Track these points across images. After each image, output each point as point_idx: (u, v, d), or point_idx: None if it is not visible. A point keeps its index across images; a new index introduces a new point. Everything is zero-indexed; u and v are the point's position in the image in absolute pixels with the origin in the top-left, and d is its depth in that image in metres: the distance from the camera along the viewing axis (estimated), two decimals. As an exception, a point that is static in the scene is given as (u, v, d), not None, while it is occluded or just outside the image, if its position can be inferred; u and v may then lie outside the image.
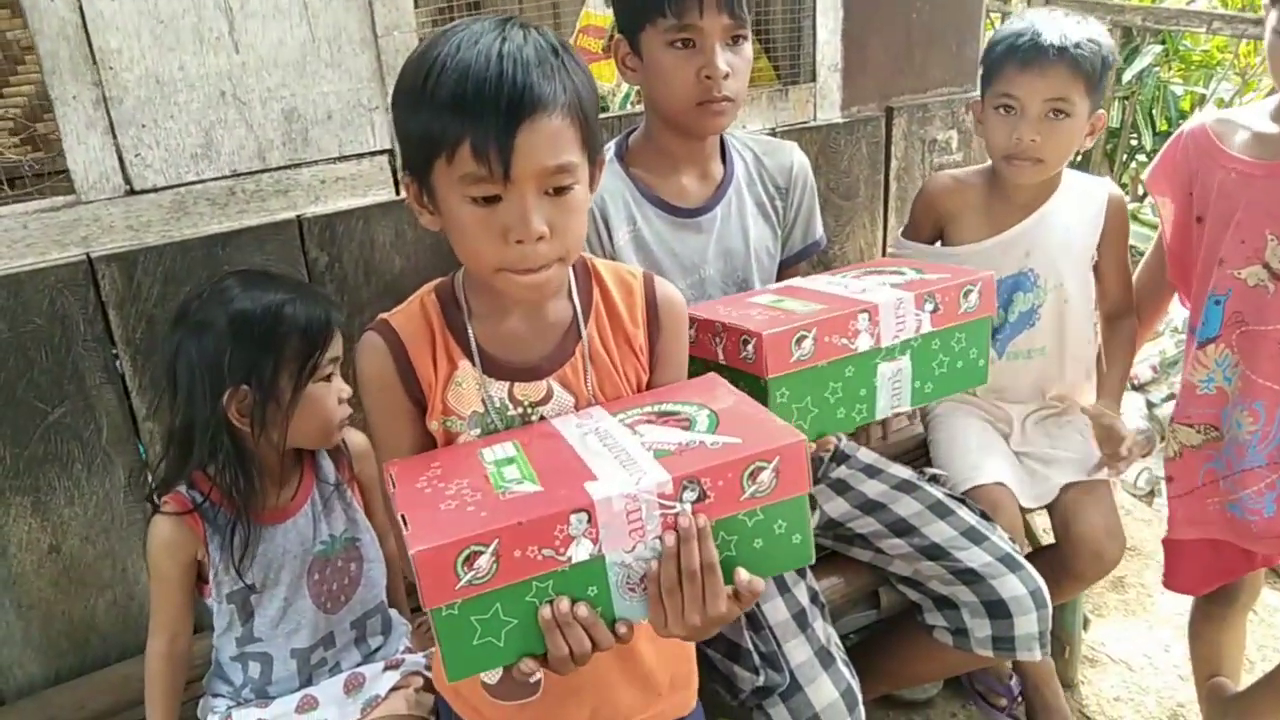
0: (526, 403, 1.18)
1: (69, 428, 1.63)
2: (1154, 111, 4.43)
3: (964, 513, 1.77)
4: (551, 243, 1.05)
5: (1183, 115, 4.44)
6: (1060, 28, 1.75)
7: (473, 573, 0.92)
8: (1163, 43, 4.35)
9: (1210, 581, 1.92)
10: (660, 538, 0.99)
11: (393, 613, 1.60)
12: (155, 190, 1.61)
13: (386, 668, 1.49)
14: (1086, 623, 2.49)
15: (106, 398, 1.64)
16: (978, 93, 1.90)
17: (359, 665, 1.50)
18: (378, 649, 1.55)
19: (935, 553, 1.72)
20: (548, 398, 1.18)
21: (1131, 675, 2.43)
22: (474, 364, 1.17)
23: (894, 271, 1.57)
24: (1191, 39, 4.31)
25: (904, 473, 1.85)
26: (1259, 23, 3.99)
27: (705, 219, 1.66)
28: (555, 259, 1.07)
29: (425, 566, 0.91)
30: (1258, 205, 1.62)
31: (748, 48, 1.54)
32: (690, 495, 0.99)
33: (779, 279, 1.78)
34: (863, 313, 1.37)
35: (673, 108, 1.55)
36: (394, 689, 1.46)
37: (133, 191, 1.59)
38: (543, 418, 1.18)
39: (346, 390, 1.43)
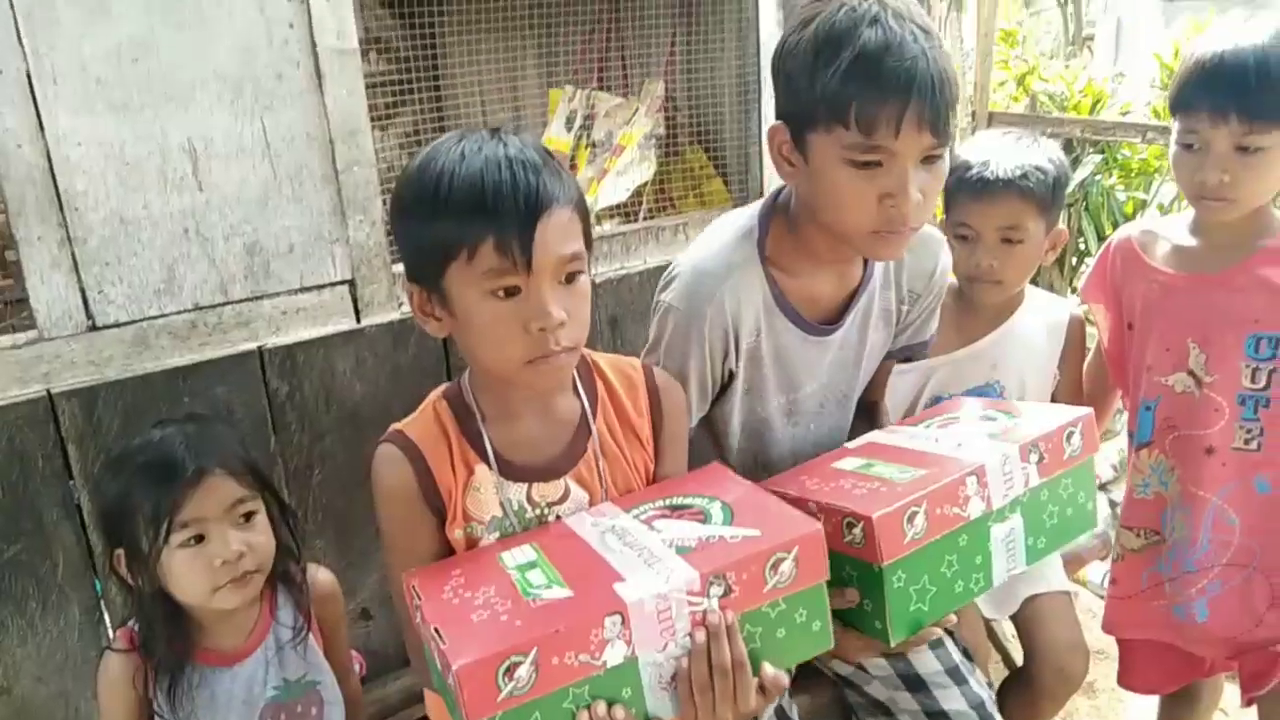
0: (544, 503, 1.20)
1: (25, 565, 1.61)
2: (1101, 217, 4.59)
3: (951, 646, 1.68)
4: (568, 328, 1.11)
5: (1128, 219, 4.60)
6: (1011, 157, 1.81)
7: (513, 683, 0.93)
8: (1101, 152, 4.54)
9: (1166, 683, 1.94)
10: (690, 635, 1.01)
11: None
12: (117, 325, 1.63)
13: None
14: (1058, 729, 2.47)
15: (64, 533, 1.63)
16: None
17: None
18: None
19: (916, 685, 1.64)
20: (565, 497, 1.21)
21: (1106, 782, 2.41)
22: (491, 468, 1.19)
23: (983, 418, 1.46)
24: (1130, 148, 4.49)
25: (956, 656, 1.68)
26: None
27: (832, 336, 1.47)
28: (571, 345, 1.13)
29: (468, 680, 0.91)
30: (1179, 315, 1.69)
31: (944, 164, 1.28)
32: (717, 590, 1.01)
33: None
34: (970, 476, 1.23)
35: (843, 230, 1.30)
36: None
37: (95, 327, 1.62)
38: (558, 517, 1.20)
39: (226, 552, 1.33)
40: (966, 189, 1.83)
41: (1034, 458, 1.30)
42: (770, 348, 1.43)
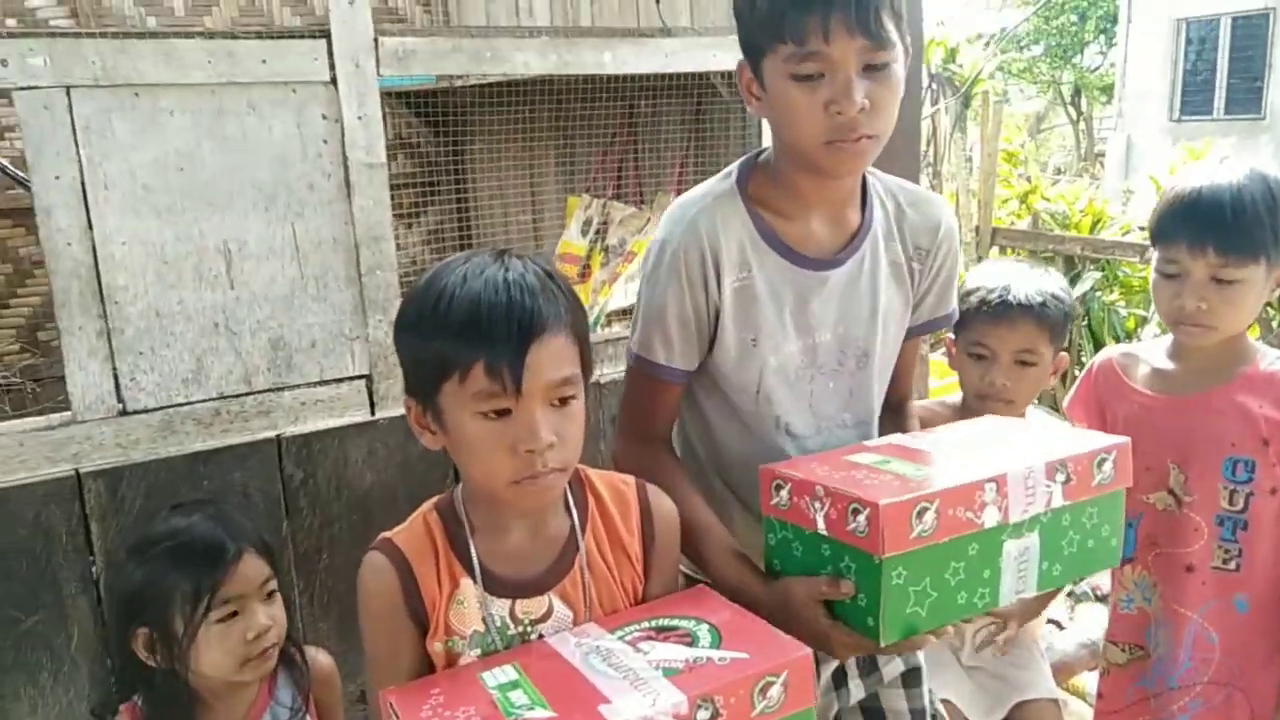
0: (527, 620, 1.20)
1: (40, 636, 1.69)
2: (1103, 331, 4.69)
3: None
4: (557, 450, 1.11)
5: (1128, 335, 4.70)
6: (1030, 284, 1.90)
7: None
8: (1102, 269, 4.67)
9: None
10: None
11: None
12: (146, 411, 1.74)
13: None
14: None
15: (80, 606, 1.71)
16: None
17: None
18: None
19: None
20: (548, 614, 1.21)
21: None
22: (475, 581, 1.19)
23: (1017, 432, 1.44)
24: (1129, 266, 4.63)
25: (926, 699, 1.66)
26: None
27: (833, 273, 1.41)
28: (560, 467, 1.13)
29: None
30: (1159, 436, 1.76)
31: (894, 71, 1.26)
32: (704, 714, 0.99)
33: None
34: (990, 483, 1.18)
35: (800, 145, 1.30)
36: None
37: (125, 412, 1.73)
38: (541, 636, 1.18)
39: (258, 626, 1.41)
40: (986, 311, 1.91)
41: (1060, 477, 1.24)
42: (765, 285, 1.38)
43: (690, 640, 1.09)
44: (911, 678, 1.60)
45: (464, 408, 1.11)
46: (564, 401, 1.14)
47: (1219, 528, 1.72)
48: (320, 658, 1.59)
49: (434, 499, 1.27)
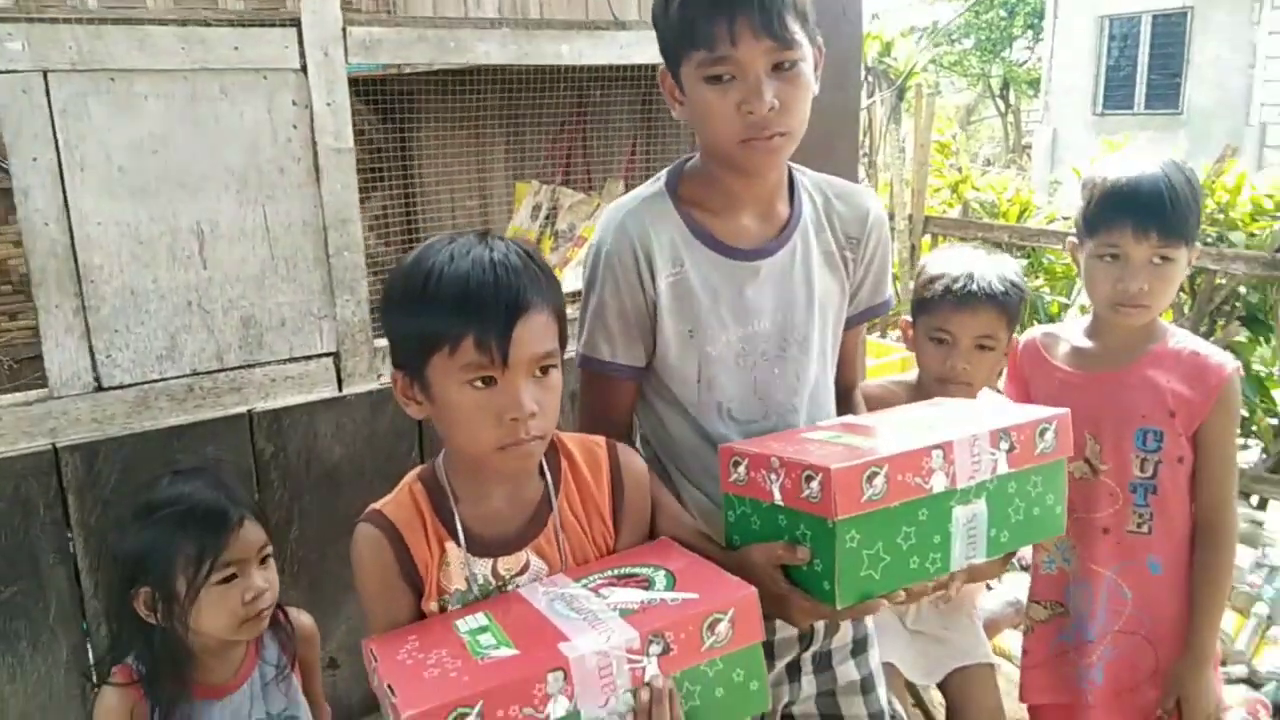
0: (508, 575, 1.29)
1: (19, 606, 1.74)
2: (1025, 316, 4.91)
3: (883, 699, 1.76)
4: (538, 419, 1.19)
5: (1051, 318, 4.93)
6: (990, 271, 1.99)
7: None
8: (1027, 256, 4.88)
9: None
10: (631, 691, 1.07)
11: None
12: (122, 387, 1.79)
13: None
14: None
15: (58, 578, 1.77)
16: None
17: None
18: None
19: None
20: (525, 568, 1.29)
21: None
22: (460, 545, 1.26)
23: (962, 408, 1.53)
24: (1054, 253, 4.84)
25: (883, 699, 1.71)
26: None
27: (765, 263, 1.47)
28: (540, 435, 1.21)
29: None
30: (1076, 409, 1.91)
31: (801, 70, 1.33)
32: (656, 649, 1.08)
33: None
34: (937, 449, 1.24)
35: (718, 145, 1.38)
36: None
37: (101, 388, 1.78)
38: (516, 587, 1.26)
39: (255, 588, 1.49)
40: (951, 298, 1.98)
41: (1004, 445, 1.31)
42: (699, 279, 1.44)
43: (647, 584, 1.18)
44: (867, 684, 1.67)
45: (452, 378, 1.18)
46: (544, 373, 1.22)
47: (1132, 494, 1.88)
48: (303, 619, 1.67)
49: (416, 470, 1.34)
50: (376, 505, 1.30)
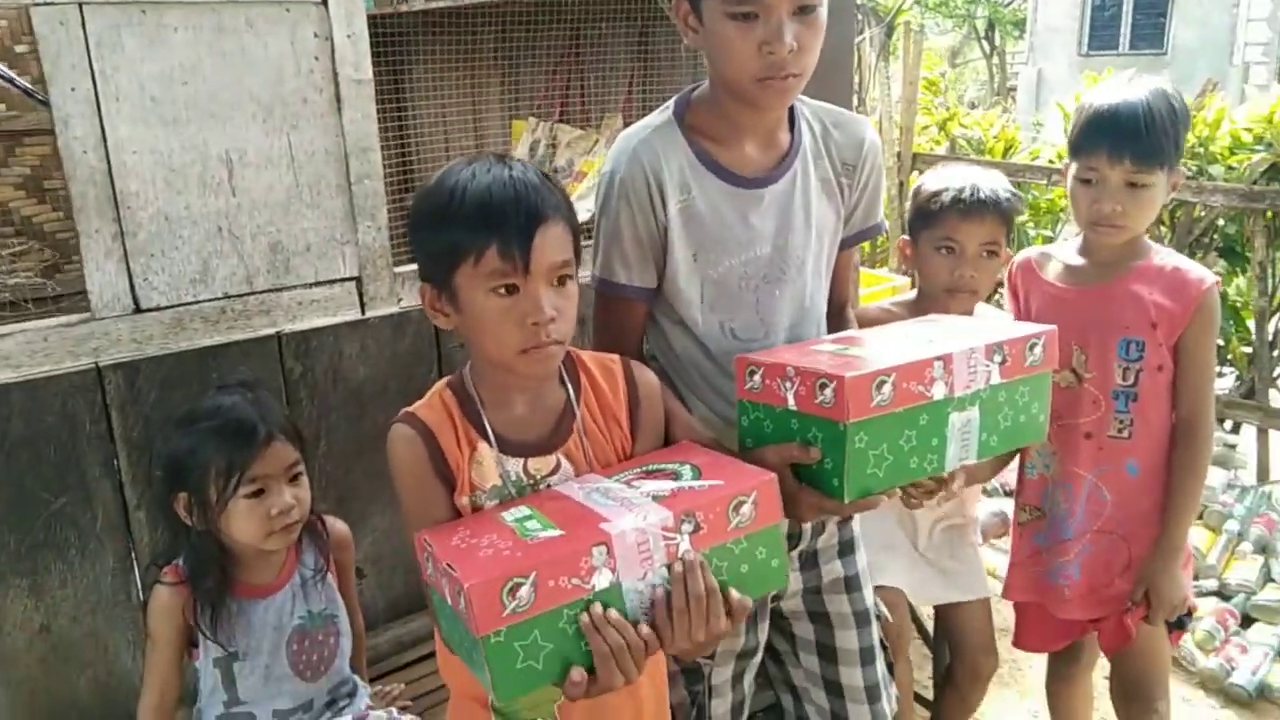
0: (539, 475, 1.38)
1: (68, 516, 1.85)
2: (1013, 249, 5.02)
3: (880, 664, 1.84)
4: (557, 323, 1.28)
5: (1036, 254, 5.04)
6: (990, 182, 2.09)
7: (516, 602, 1.09)
8: (1013, 192, 4.98)
9: (1050, 641, 2.27)
10: (667, 566, 1.17)
11: (355, 677, 1.82)
12: (159, 309, 1.89)
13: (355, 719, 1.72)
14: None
15: (104, 490, 1.87)
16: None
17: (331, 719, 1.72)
18: (345, 707, 1.77)
19: (835, 691, 1.80)
20: (555, 469, 1.39)
21: (1009, 738, 2.73)
22: (491, 445, 1.35)
23: (961, 324, 1.63)
24: (1038, 189, 4.95)
25: (868, 600, 1.82)
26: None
27: (768, 190, 1.56)
28: (559, 339, 1.29)
29: (477, 597, 1.07)
30: (1065, 322, 2.03)
31: (820, 15, 1.41)
32: (687, 527, 1.18)
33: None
34: (938, 361, 1.36)
35: (734, 80, 1.45)
36: (365, 735, 1.69)
37: (139, 310, 1.87)
38: (549, 486, 1.36)
39: (282, 504, 1.59)
40: (957, 207, 2.06)
41: (998, 358, 1.42)
42: (706, 205, 1.53)
43: (675, 476, 1.29)
44: (852, 583, 1.78)
45: (478, 287, 1.27)
46: (562, 282, 1.31)
47: (1114, 401, 2.01)
48: (338, 526, 1.78)
49: (444, 380, 1.42)
50: (409, 409, 1.38)
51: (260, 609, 1.67)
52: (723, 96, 1.52)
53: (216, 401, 1.61)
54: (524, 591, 1.09)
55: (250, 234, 1.95)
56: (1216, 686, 3.00)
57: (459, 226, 1.26)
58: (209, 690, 1.66)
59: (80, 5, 1.71)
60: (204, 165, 1.88)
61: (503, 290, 1.27)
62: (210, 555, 1.62)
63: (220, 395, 1.62)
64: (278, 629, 1.68)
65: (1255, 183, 4.10)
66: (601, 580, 1.14)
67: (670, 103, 1.59)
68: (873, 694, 1.78)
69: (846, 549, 1.79)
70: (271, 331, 2.00)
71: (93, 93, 1.75)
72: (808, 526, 1.71)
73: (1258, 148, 4.14)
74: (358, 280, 2.09)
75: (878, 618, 1.88)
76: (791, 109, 1.59)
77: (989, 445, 1.45)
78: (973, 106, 14.21)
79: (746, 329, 1.60)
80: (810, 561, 1.75)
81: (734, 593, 1.21)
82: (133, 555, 1.92)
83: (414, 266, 1.44)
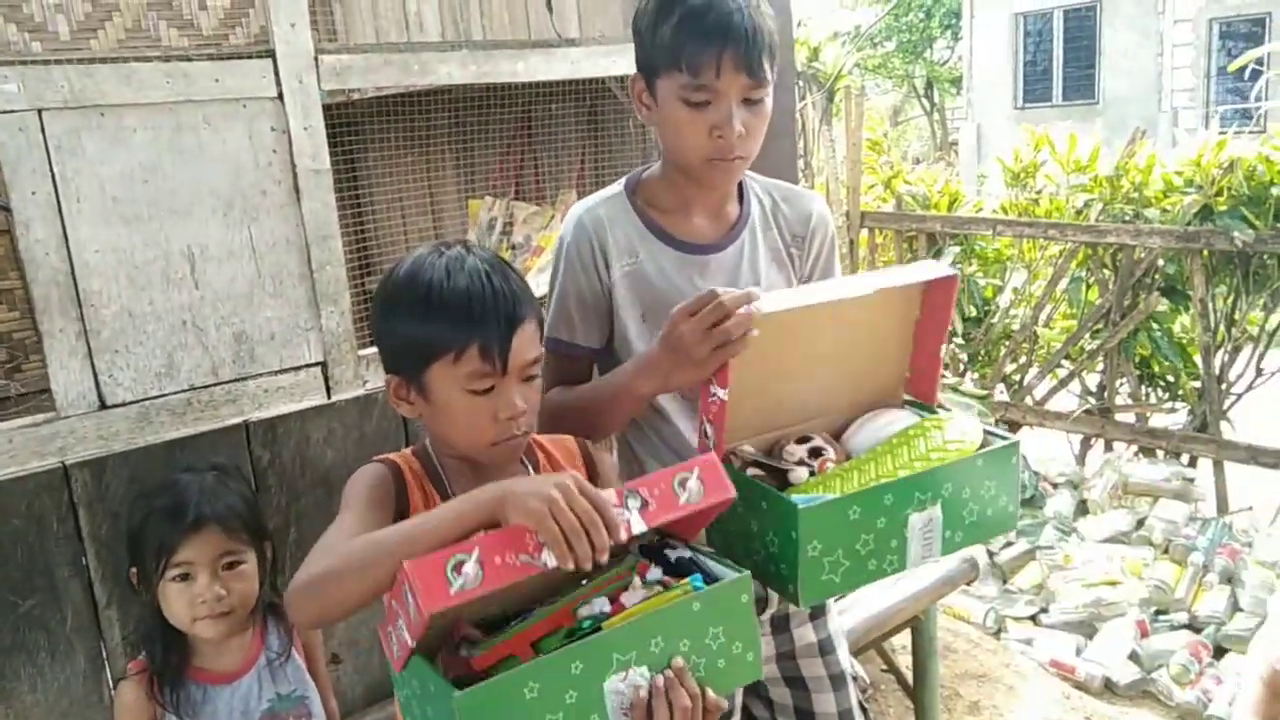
0: None
1: (37, 619, 1.83)
2: (963, 300, 5.14)
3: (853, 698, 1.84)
4: (526, 416, 1.32)
5: (986, 302, 5.17)
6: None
7: (462, 579, 1.05)
8: (960, 243, 5.12)
9: None
10: (648, 666, 1.15)
11: None
12: (124, 405, 1.90)
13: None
14: (945, 743, 2.81)
15: (73, 589, 1.86)
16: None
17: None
18: None
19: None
20: None
21: (991, 787, 2.74)
22: None
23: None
24: (984, 240, 5.09)
25: (844, 662, 1.82)
26: (1032, 224, 4.79)
27: (715, 257, 1.61)
28: (528, 430, 1.34)
29: (420, 574, 1.03)
30: None
31: (766, 104, 1.49)
32: (634, 503, 1.18)
33: None
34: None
35: (684, 158, 1.53)
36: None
37: (104, 406, 1.88)
38: None
39: (209, 593, 1.60)
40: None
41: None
42: (654, 268, 1.58)
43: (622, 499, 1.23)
44: (825, 645, 1.78)
45: (455, 385, 1.29)
46: (531, 377, 1.35)
47: None
48: None
49: (409, 449, 1.43)
50: (379, 457, 1.39)
51: (226, 695, 1.67)
52: (672, 171, 1.60)
53: (173, 480, 1.65)
54: (469, 568, 1.06)
55: (214, 325, 1.98)
56: None
57: (438, 324, 1.27)
58: None
59: (39, 112, 1.75)
60: (167, 261, 1.91)
61: (479, 389, 1.29)
62: (161, 630, 1.64)
63: (181, 475, 1.67)
64: (245, 714, 1.67)
65: (1189, 224, 4.26)
66: (551, 558, 1.10)
67: (623, 179, 1.66)
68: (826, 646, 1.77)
69: (817, 612, 1.80)
70: (238, 420, 2.01)
71: (54, 195, 1.78)
72: (773, 592, 1.69)
73: (1189, 190, 4.31)
74: (323, 365, 2.11)
75: (854, 679, 1.88)
76: (741, 183, 1.65)
77: (953, 542, 1.44)
78: (917, 162, 14.58)
79: (695, 390, 1.59)
80: (781, 625, 1.76)
81: (710, 693, 1.19)
82: (104, 654, 1.90)
83: (376, 349, 1.46)
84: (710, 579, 1.27)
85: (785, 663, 1.78)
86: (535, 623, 1.19)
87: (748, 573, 1.24)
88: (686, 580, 1.24)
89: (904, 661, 2.97)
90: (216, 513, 1.63)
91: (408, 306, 1.31)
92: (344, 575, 1.18)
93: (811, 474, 1.46)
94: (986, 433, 1.51)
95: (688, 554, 1.34)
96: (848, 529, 1.33)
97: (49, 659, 1.85)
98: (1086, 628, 3.56)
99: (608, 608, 1.21)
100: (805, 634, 1.77)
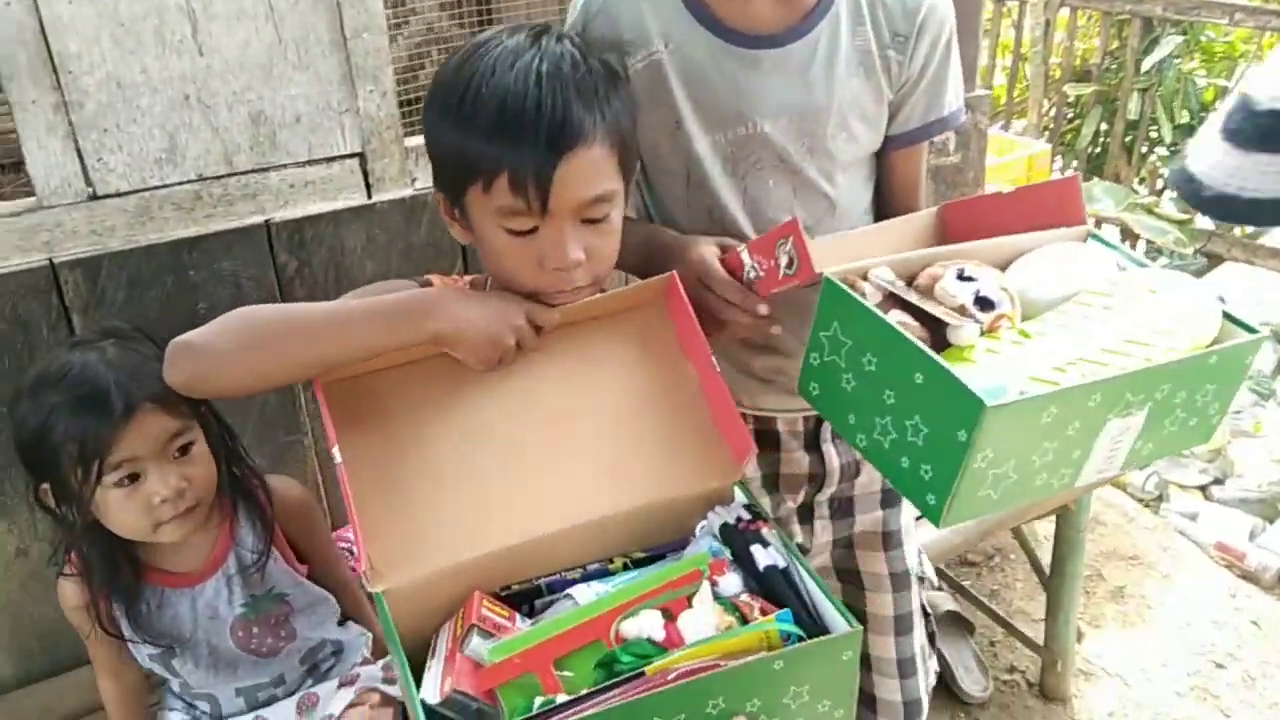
0: None
1: (33, 433, 1.62)
2: (1175, 104, 4.32)
3: (918, 634, 1.58)
4: (587, 266, 1.04)
5: (1204, 107, 4.33)
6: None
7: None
8: (1184, 33, 4.24)
9: None
10: None
11: (350, 625, 1.52)
12: (119, 195, 1.59)
13: (341, 684, 1.45)
14: (1080, 635, 2.45)
15: (70, 402, 1.63)
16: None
17: (312, 686, 1.46)
18: (330, 669, 1.49)
19: (861, 663, 1.59)
20: None
21: (1127, 690, 2.39)
22: None
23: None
24: (1215, 30, 4.20)
25: (910, 559, 1.56)
26: (1282, 14, 3.89)
27: (773, 54, 1.21)
28: (589, 282, 1.07)
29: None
30: None
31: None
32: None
33: (883, 163, 1.36)
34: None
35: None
36: (350, 706, 1.43)
37: (95, 196, 1.57)
38: None
39: (163, 491, 1.23)
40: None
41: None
42: (679, 61, 1.21)
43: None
44: (891, 539, 1.51)
45: (489, 217, 1.04)
46: (595, 220, 1.05)
47: None
48: (287, 489, 1.44)
49: (468, 278, 1.22)
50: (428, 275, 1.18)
51: (187, 600, 1.35)
52: None
53: (64, 362, 1.22)
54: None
55: (225, 103, 1.61)
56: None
57: (466, 138, 1.01)
58: (159, 680, 1.42)
59: None
60: (160, 18, 1.53)
61: (516, 229, 1.03)
62: (101, 549, 1.28)
63: (71, 353, 1.23)
64: (214, 619, 1.36)
65: None
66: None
67: None
68: (905, 668, 1.54)
69: (891, 498, 1.50)
70: (259, 219, 1.69)
71: (11, -74, 1.41)
72: (835, 466, 1.43)
73: None
74: (361, 157, 1.74)
75: (920, 579, 1.59)
76: None
77: (1140, 454, 1.09)
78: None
79: (733, 223, 1.29)
80: (844, 509, 1.49)
81: None
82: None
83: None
84: (806, 613, 0.95)
85: (840, 551, 1.53)
86: (566, 628, 0.93)
87: (859, 628, 0.93)
88: (772, 617, 0.91)
89: (1039, 531, 2.58)
90: (149, 390, 1.20)
91: (442, 107, 1.04)
92: (246, 347, 1.06)
93: (980, 334, 1.08)
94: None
95: (782, 562, 1.00)
96: (1034, 435, 0.97)
97: (50, 476, 1.65)
98: (1269, 508, 3.06)
99: (659, 632, 0.92)
100: (871, 521, 1.50)
